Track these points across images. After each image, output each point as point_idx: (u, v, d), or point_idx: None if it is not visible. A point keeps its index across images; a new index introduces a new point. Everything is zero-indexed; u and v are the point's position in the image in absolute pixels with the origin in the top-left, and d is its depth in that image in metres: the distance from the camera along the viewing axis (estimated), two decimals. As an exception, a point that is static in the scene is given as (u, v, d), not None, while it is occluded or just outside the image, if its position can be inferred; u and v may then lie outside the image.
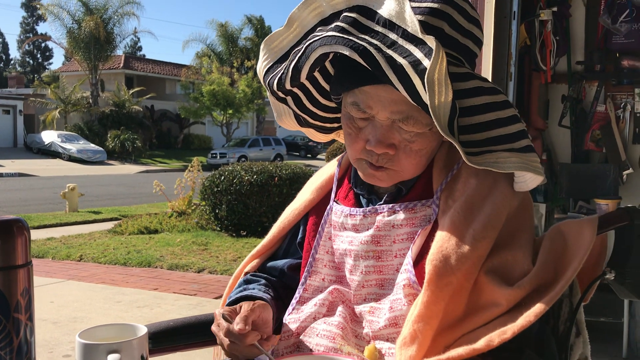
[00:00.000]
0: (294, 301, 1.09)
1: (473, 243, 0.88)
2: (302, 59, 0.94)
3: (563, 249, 0.91)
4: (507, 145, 0.92)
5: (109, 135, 28.65)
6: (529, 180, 0.95)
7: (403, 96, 0.88)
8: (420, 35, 0.85)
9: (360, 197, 1.09)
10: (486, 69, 3.34)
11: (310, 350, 0.99)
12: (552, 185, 3.77)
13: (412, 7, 0.91)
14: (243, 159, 24.33)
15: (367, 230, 1.02)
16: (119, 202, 12.13)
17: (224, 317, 0.97)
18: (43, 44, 60.68)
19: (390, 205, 1.02)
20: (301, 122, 1.13)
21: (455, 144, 0.86)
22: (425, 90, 0.83)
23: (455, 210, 0.93)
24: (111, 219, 9.19)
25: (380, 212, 1.02)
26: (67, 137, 27.82)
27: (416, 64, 0.84)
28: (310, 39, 0.93)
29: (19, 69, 60.61)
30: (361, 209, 1.05)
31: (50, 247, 6.64)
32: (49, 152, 27.61)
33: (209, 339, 1.15)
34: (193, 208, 8.64)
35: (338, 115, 1.10)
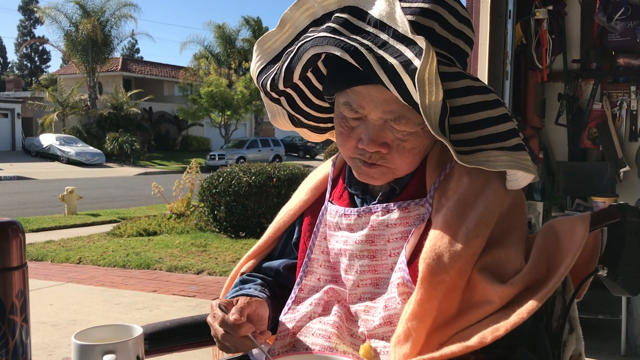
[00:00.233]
0: (289, 301, 1.09)
1: (466, 241, 0.89)
2: (294, 59, 0.95)
3: (556, 246, 0.92)
4: (498, 144, 0.92)
5: (107, 137, 28.65)
6: (520, 178, 0.95)
7: (395, 96, 0.89)
8: (410, 35, 0.86)
9: (355, 197, 1.09)
10: (482, 68, 3.35)
11: (306, 349, 1.00)
12: (550, 184, 3.78)
13: (403, 8, 0.91)
14: (242, 160, 24.34)
15: (362, 229, 1.03)
16: (118, 204, 12.13)
17: (220, 307, 0.98)
18: (40, 47, 60.68)
19: (384, 204, 1.02)
20: (295, 123, 1.14)
21: (446, 143, 0.87)
22: (416, 89, 0.83)
23: (448, 208, 0.94)
24: (110, 222, 9.18)
25: (375, 212, 1.03)
26: (65, 139, 27.81)
27: (407, 64, 0.85)
28: (302, 40, 0.94)
29: (16, 72, 60.59)
30: (355, 209, 1.06)
31: (49, 250, 6.64)
32: (47, 155, 27.60)
33: (205, 340, 1.16)
34: (192, 210, 8.64)
35: (331, 115, 1.11)
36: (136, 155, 28.47)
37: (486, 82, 3.27)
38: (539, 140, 3.72)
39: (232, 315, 0.94)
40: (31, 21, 61.25)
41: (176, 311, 4.22)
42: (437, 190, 0.99)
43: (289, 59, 0.96)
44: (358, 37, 0.89)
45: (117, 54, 35.04)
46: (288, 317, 1.06)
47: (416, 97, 0.84)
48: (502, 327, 0.81)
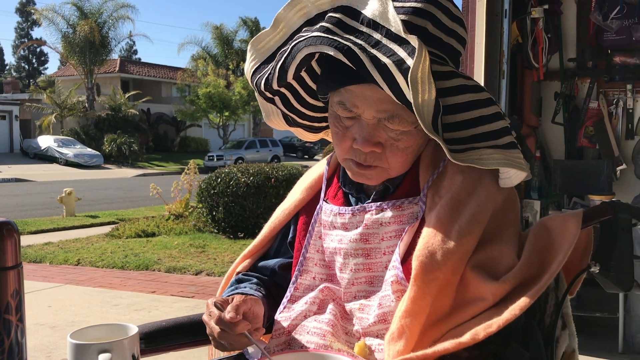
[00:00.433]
0: (285, 300, 1.10)
1: (459, 239, 0.90)
2: (288, 59, 0.95)
3: (548, 243, 0.93)
4: (490, 142, 0.93)
5: (105, 139, 28.63)
6: (513, 176, 0.96)
7: (388, 95, 0.90)
8: (403, 34, 0.86)
9: (349, 195, 1.10)
10: (478, 68, 3.36)
11: (301, 347, 1.00)
12: (547, 182, 3.79)
13: (396, 7, 0.92)
14: (240, 161, 24.33)
15: (356, 228, 1.04)
16: (116, 205, 12.12)
17: (215, 305, 0.98)
18: (38, 49, 60.65)
19: (378, 203, 1.03)
20: (289, 122, 1.14)
21: (439, 142, 0.88)
22: (409, 88, 0.84)
23: (442, 206, 0.94)
24: (108, 223, 9.18)
25: (369, 211, 1.03)
26: (63, 141, 27.79)
27: (400, 63, 0.85)
28: (296, 39, 0.95)
29: (14, 74, 60.54)
30: (350, 208, 1.06)
31: (47, 252, 6.63)
32: (45, 157, 27.58)
33: (201, 339, 1.16)
34: (190, 211, 8.64)
35: (325, 114, 1.12)
36: (134, 157, 28.45)
37: (482, 82, 3.29)
38: (535, 139, 3.73)
39: (228, 313, 0.95)
40: (28, 23, 61.20)
41: (175, 312, 4.23)
42: (430, 188, 1.00)
43: (283, 58, 0.96)
44: (351, 37, 0.89)
45: (115, 56, 35.06)
46: (283, 316, 1.07)
47: (409, 95, 0.85)
48: (494, 324, 0.81)
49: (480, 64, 3.33)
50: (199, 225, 7.88)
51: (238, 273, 1.22)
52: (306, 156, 34.37)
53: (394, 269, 0.96)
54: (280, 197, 6.87)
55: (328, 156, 1.21)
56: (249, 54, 1.06)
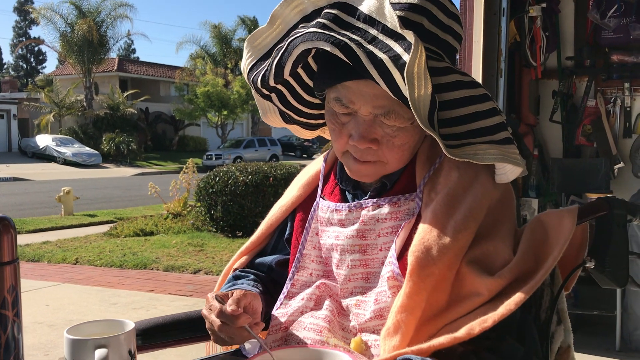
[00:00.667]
0: (281, 296, 1.10)
1: (454, 234, 0.90)
2: (284, 55, 0.95)
3: (543, 239, 0.93)
4: (486, 138, 0.93)
5: (103, 138, 28.60)
6: (509, 172, 0.96)
7: (384, 91, 0.90)
8: (399, 30, 0.86)
9: (346, 192, 1.10)
10: (476, 66, 3.36)
11: (298, 343, 1.00)
12: (544, 181, 3.80)
13: (393, 3, 0.92)
14: (239, 160, 24.31)
15: (353, 224, 1.04)
16: (115, 204, 12.12)
17: (216, 298, 0.98)
18: (36, 48, 60.54)
19: (375, 199, 1.03)
20: (286, 119, 1.14)
21: (436, 137, 0.88)
22: (405, 84, 0.84)
23: (437, 202, 0.95)
24: (107, 222, 9.18)
25: (365, 207, 1.03)
26: (61, 140, 27.75)
27: (396, 59, 0.85)
28: (292, 36, 0.95)
29: (12, 73, 60.45)
30: (347, 204, 1.06)
31: (45, 251, 6.63)
32: (43, 156, 27.54)
33: (199, 335, 1.17)
34: (188, 209, 8.64)
35: (322, 111, 1.12)
36: (133, 156, 28.43)
37: (480, 80, 3.29)
38: (533, 137, 3.74)
39: (230, 306, 0.95)
40: (27, 22, 61.08)
41: (173, 310, 4.21)
42: (426, 185, 1.00)
43: (280, 54, 0.96)
44: (348, 33, 0.90)
45: (113, 55, 35.02)
46: (280, 312, 1.07)
47: (405, 91, 0.85)
48: (490, 319, 0.82)
49: (478, 62, 3.33)
50: (197, 224, 7.88)
51: (235, 270, 1.23)
52: (305, 155, 34.36)
53: (390, 265, 0.96)
54: (279, 196, 6.80)
55: (325, 153, 1.22)
56: (245, 51, 1.06)
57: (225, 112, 29.92)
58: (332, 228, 1.07)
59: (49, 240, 7.35)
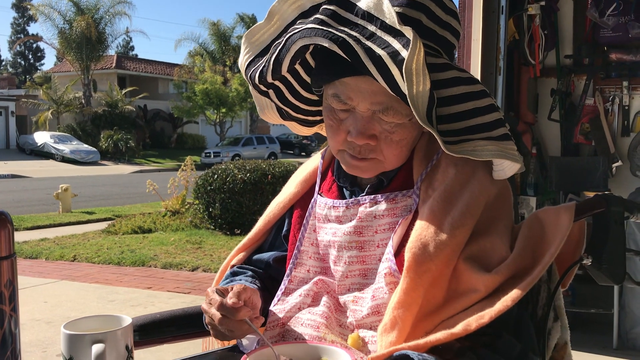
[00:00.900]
0: (279, 292, 1.10)
1: (451, 231, 0.90)
2: (282, 51, 0.95)
3: (541, 236, 0.93)
4: (484, 134, 0.93)
5: (102, 135, 28.57)
6: (506, 168, 0.96)
7: (383, 87, 0.90)
8: (398, 26, 0.86)
9: (344, 189, 1.10)
10: (475, 64, 3.36)
11: (295, 339, 1.00)
12: (542, 179, 3.80)
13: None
14: (237, 158, 24.28)
15: (350, 221, 1.04)
16: (113, 202, 12.11)
17: (217, 292, 0.98)
18: (34, 45, 60.44)
19: (372, 196, 1.03)
20: (284, 116, 1.14)
21: (434, 133, 0.88)
22: (403, 80, 0.84)
23: (435, 199, 0.95)
24: (105, 219, 9.17)
25: (363, 203, 1.03)
26: (59, 137, 27.72)
27: (394, 55, 0.85)
28: (290, 32, 0.95)
29: (10, 70, 60.32)
30: (344, 201, 1.06)
31: (43, 248, 6.62)
32: (41, 153, 27.50)
33: (196, 331, 1.17)
34: (187, 207, 8.64)
35: (320, 108, 1.12)
36: (131, 153, 28.40)
37: (479, 78, 3.29)
38: (531, 135, 3.74)
39: (230, 299, 0.95)
40: (25, 19, 60.95)
41: (171, 308, 4.19)
42: (424, 181, 1.00)
43: (277, 50, 0.96)
44: (346, 29, 0.89)
45: (112, 52, 34.92)
46: (278, 308, 1.07)
47: (404, 87, 0.85)
48: (486, 315, 0.82)
49: (477, 60, 3.33)
50: (195, 221, 7.88)
51: (233, 266, 1.23)
52: (303, 153, 34.34)
53: (387, 261, 0.96)
54: (277, 194, 6.88)
55: (323, 150, 1.21)
56: (243, 47, 1.06)
57: (223, 110, 29.90)
58: (330, 224, 1.07)
59: (47, 238, 7.34)
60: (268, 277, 1.19)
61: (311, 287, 1.06)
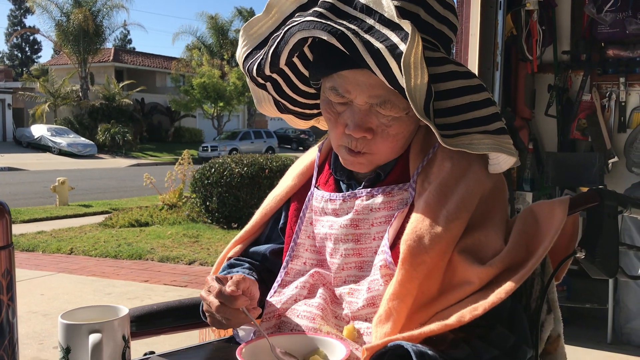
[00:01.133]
0: (275, 284, 1.11)
1: (446, 224, 0.91)
2: (281, 44, 0.96)
3: (535, 229, 0.94)
4: (481, 128, 0.94)
5: (99, 128, 28.48)
6: (502, 161, 0.97)
7: (381, 80, 0.90)
8: (396, 20, 0.87)
9: (340, 182, 1.11)
10: (473, 59, 3.36)
11: (291, 330, 1.01)
12: (539, 174, 3.81)
13: None
14: (234, 152, 24.25)
15: (347, 214, 1.04)
16: (110, 195, 12.10)
17: (216, 279, 0.99)
18: (31, 37, 60.15)
19: (369, 189, 1.04)
20: (281, 109, 1.15)
21: (431, 126, 0.88)
22: (401, 73, 0.85)
23: (430, 192, 0.96)
24: (102, 213, 9.17)
25: (359, 197, 1.04)
26: (57, 130, 27.63)
27: (393, 48, 0.86)
28: (288, 24, 0.95)
29: (7, 62, 60.05)
30: (341, 194, 1.07)
31: (40, 241, 6.62)
32: (38, 146, 27.42)
33: (193, 322, 1.17)
34: (184, 201, 8.64)
35: (317, 101, 1.12)
36: (128, 147, 28.34)
37: (476, 73, 3.29)
38: (528, 131, 3.75)
39: (229, 287, 0.96)
40: (22, 11, 60.65)
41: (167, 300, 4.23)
42: (420, 175, 1.01)
43: (276, 43, 0.96)
44: (344, 22, 0.90)
45: (109, 45, 34.78)
46: (274, 300, 1.08)
47: (402, 81, 0.85)
48: (480, 307, 0.83)
49: (475, 56, 3.33)
50: (192, 215, 7.88)
51: (230, 258, 1.23)
52: (301, 148, 34.25)
53: (382, 254, 0.97)
54: (274, 188, 6.89)
55: (320, 143, 1.22)
56: (240, 39, 1.06)
57: (221, 104, 29.84)
58: (326, 217, 1.08)
59: (44, 230, 7.34)
60: (264, 269, 1.19)
61: (307, 279, 1.06)
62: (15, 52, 62.56)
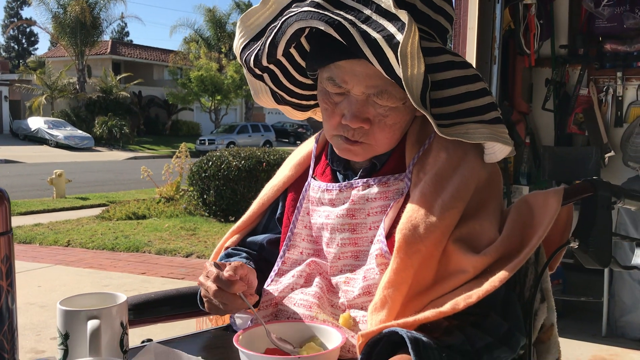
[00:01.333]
0: (272, 273, 1.12)
1: (441, 213, 0.92)
2: (278, 34, 0.96)
3: (529, 219, 0.95)
4: (477, 117, 0.95)
5: (96, 121, 28.40)
6: (498, 151, 0.98)
7: (378, 71, 0.91)
8: (393, 10, 0.87)
9: (337, 172, 1.12)
10: (470, 53, 3.37)
11: (288, 318, 1.02)
12: (536, 168, 3.83)
13: None
14: (232, 145, 24.20)
15: (343, 204, 1.05)
16: (107, 188, 12.08)
17: (215, 265, 0.99)
18: (28, 29, 59.87)
19: (365, 179, 1.05)
20: (278, 100, 1.15)
21: (428, 116, 0.89)
22: (398, 63, 0.85)
23: (426, 182, 0.96)
24: (99, 205, 9.16)
25: (356, 187, 1.05)
26: (54, 123, 27.54)
27: (390, 38, 0.86)
28: (286, 15, 0.95)
29: (3, 54, 59.76)
30: (337, 184, 1.08)
31: (37, 233, 6.62)
32: (35, 139, 27.33)
33: (190, 311, 1.18)
34: (181, 194, 8.64)
35: (314, 92, 1.13)
36: (125, 140, 28.27)
37: (474, 67, 3.30)
38: (525, 125, 3.76)
39: (227, 272, 0.96)
40: (18, 2, 60.34)
41: (165, 293, 4.24)
42: (415, 165, 1.01)
43: (273, 34, 0.97)
44: (342, 12, 0.90)
45: (107, 37, 34.63)
46: (271, 288, 1.09)
47: (399, 70, 0.86)
48: (474, 295, 0.84)
49: (472, 49, 3.34)
50: (189, 208, 7.88)
51: (227, 248, 1.24)
52: (298, 142, 34.21)
53: (378, 243, 0.98)
54: (272, 181, 6.89)
55: (317, 134, 1.23)
56: (238, 30, 1.06)
57: (218, 97, 29.76)
58: (323, 207, 1.08)
59: (41, 223, 7.33)
60: (261, 259, 1.20)
61: (304, 268, 1.07)
62: (12, 44, 62.25)
